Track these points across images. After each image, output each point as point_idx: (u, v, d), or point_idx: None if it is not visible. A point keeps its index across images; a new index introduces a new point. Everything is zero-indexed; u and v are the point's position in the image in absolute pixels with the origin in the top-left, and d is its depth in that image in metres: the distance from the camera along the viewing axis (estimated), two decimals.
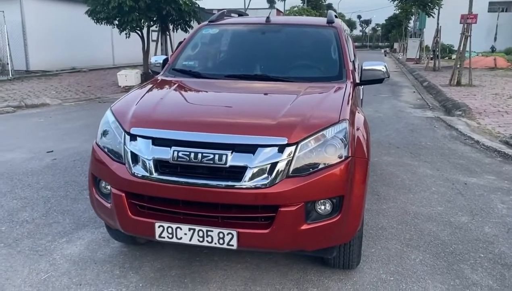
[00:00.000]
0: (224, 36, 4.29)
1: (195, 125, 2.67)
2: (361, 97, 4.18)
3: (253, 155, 2.50)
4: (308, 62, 3.89)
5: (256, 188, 2.48)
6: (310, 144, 2.58)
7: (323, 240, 2.68)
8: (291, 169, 2.52)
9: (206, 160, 2.51)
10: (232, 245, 2.55)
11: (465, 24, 14.46)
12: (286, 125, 2.63)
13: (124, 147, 2.73)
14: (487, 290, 3.01)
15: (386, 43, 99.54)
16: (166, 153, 2.58)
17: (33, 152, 6.36)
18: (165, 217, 2.64)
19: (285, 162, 2.51)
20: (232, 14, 4.93)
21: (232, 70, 3.81)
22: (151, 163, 2.60)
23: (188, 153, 2.54)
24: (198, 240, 2.58)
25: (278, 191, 2.48)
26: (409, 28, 49.20)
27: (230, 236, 2.53)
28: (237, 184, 2.49)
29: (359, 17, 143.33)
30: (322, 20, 4.27)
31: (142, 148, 2.65)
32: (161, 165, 2.60)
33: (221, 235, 2.54)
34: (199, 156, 2.52)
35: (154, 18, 14.70)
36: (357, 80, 3.77)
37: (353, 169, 2.67)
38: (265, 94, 3.32)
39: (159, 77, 3.81)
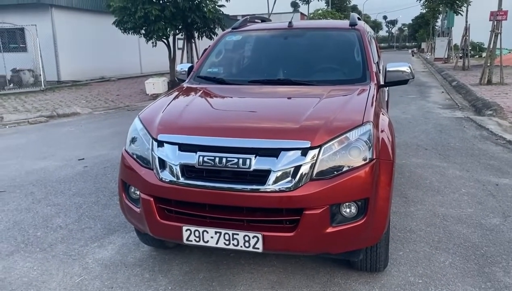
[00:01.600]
0: (247, 43, 4.34)
1: (219, 131, 2.72)
2: (386, 99, 4.15)
3: (277, 158, 2.54)
4: (331, 65, 3.90)
5: (280, 191, 2.51)
6: (334, 147, 2.60)
7: (349, 243, 2.68)
8: (315, 172, 2.54)
9: (231, 164, 2.56)
10: (258, 248, 2.58)
11: (495, 21, 14.10)
12: (309, 128, 2.65)
13: (152, 153, 2.81)
14: None
15: (413, 43, 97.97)
16: (192, 158, 2.64)
17: (65, 160, 6.58)
18: (192, 221, 2.70)
19: (309, 165, 2.53)
20: (256, 20, 4.98)
21: (256, 75, 3.86)
22: (178, 168, 2.66)
23: (213, 158, 2.59)
24: (224, 243, 2.62)
25: (302, 194, 2.51)
26: (436, 27, 48.31)
27: (255, 239, 2.56)
28: (261, 188, 2.53)
29: (384, 17, 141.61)
30: (345, 23, 4.28)
31: (169, 153, 2.73)
32: (187, 170, 2.67)
33: (246, 238, 2.57)
34: (224, 160, 2.57)
35: (180, 27, 14.96)
36: (381, 82, 3.75)
37: (378, 171, 2.67)
38: (288, 98, 3.35)
39: (185, 84, 3.89)
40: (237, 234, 2.58)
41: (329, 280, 3.13)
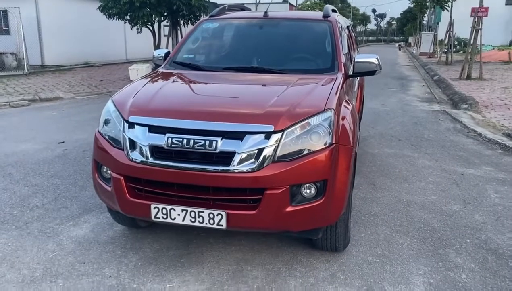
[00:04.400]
0: (224, 30, 4.46)
1: (188, 114, 2.86)
2: (356, 89, 4.31)
3: (241, 141, 2.68)
4: (302, 55, 4.05)
5: (244, 172, 2.66)
6: (296, 132, 2.75)
7: (308, 222, 2.85)
8: (277, 154, 2.70)
9: (198, 146, 2.70)
10: (222, 225, 2.73)
11: (476, 18, 14.38)
12: (273, 114, 2.80)
13: (123, 134, 2.93)
14: (468, 272, 3.15)
15: (401, 37, 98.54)
16: (161, 139, 2.78)
17: (45, 143, 6.63)
18: (160, 199, 2.84)
19: (272, 148, 2.69)
20: (234, 9, 5.09)
21: (230, 62, 3.99)
22: (147, 148, 2.80)
23: (181, 139, 2.73)
24: (190, 220, 2.77)
25: (264, 174, 2.66)
26: (424, 22, 48.68)
27: (219, 216, 2.71)
28: (226, 168, 2.68)
29: (373, 11, 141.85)
30: (318, 15, 4.42)
31: (139, 135, 2.85)
32: (156, 151, 2.80)
33: (211, 216, 2.72)
34: (191, 142, 2.71)
35: (165, 13, 14.91)
36: (350, 73, 3.90)
37: (337, 155, 2.83)
38: (258, 85, 3.49)
39: (160, 69, 4.00)
40: (203, 212, 2.73)
41: (292, 258, 3.31)
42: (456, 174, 5.36)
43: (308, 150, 2.75)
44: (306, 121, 2.79)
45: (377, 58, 3.86)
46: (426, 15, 46.12)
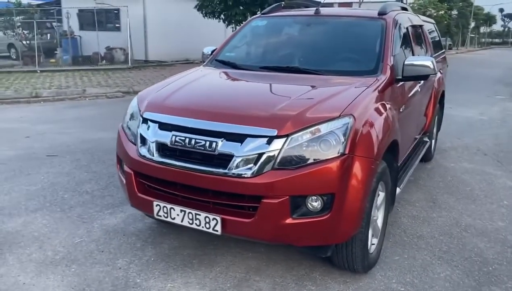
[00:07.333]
0: (271, 28, 4.30)
1: (193, 113, 2.78)
2: (410, 95, 3.87)
3: (241, 144, 2.54)
4: (346, 55, 3.74)
5: (239, 176, 2.51)
6: (303, 138, 2.53)
7: (311, 237, 2.61)
8: (278, 161, 2.50)
9: (198, 146, 2.61)
10: (217, 230, 2.62)
11: None
12: (279, 117, 2.60)
13: (137, 129, 2.95)
14: None
15: None
16: (167, 137, 2.74)
17: None
18: (163, 197, 2.81)
19: (273, 153, 2.50)
20: (294, 6, 4.91)
21: (267, 62, 3.82)
22: (154, 145, 2.78)
23: (183, 138, 2.66)
24: (188, 222, 2.70)
25: (262, 182, 2.48)
26: None
27: (215, 221, 2.60)
28: (223, 171, 2.55)
29: (501, 10, 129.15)
30: (375, 12, 4.04)
31: (150, 131, 2.85)
32: (162, 148, 2.77)
33: (207, 220, 2.62)
34: (193, 141, 2.63)
35: (258, 12, 15.07)
36: (399, 76, 3.50)
37: (350, 168, 2.54)
38: (281, 85, 3.30)
39: (200, 67, 3.98)
40: (199, 215, 2.64)
41: (307, 274, 3.07)
42: None
43: (314, 158, 2.50)
44: (316, 127, 2.54)
45: (432, 62, 3.41)
46: None
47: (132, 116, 3.20)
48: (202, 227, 2.65)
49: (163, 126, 2.80)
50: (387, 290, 2.91)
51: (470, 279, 3.06)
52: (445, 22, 42.06)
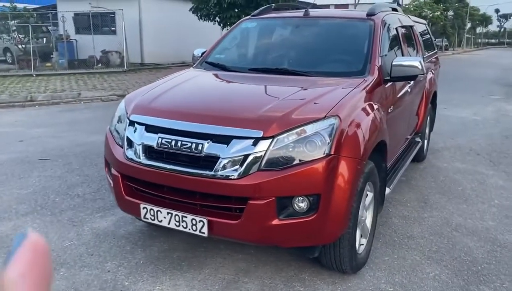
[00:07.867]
0: (260, 30, 4.32)
1: (179, 115, 2.78)
2: (399, 95, 3.87)
3: (227, 146, 2.54)
4: (334, 56, 3.75)
5: (225, 178, 2.51)
6: (288, 139, 2.53)
7: (298, 238, 2.61)
8: (264, 162, 2.50)
9: (185, 148, 2.61)
10: (203, 232, 2.61)
11: None
12: (264, 119, 2.60)
13: (124, 132, 2.95)
14: None
15: None
16: (153, 140, 2.74)
17: None
18: (150, 199, 2.81)
19: (258, 155, 2.50)
20: (285, 8, 4.92)
21: (256, 63, 3.84)
22: (140, 147, 2.78)
23: (170, 140, 2.66)
24: (175, 224, 2.69)
25: (247, 183, 2.48)
26: None
27: (201, 223, 2.59)
28: (209, 173, 2.55)
29: (497, 11, 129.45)
30: (363, 13, 4.05)
31: (136, 133, 2.85)
32: (148, 151, 2.77)
33: (193, 222, 2.62)
34: (179, 143, 2.63)
35: None
36: (388, 77, 3.51)
37: (335, 168, 2.54)
38: (268, 87, 3.30)
39: (190, 69, 3.99)
40: (186, 217, 2.64)
41: (296, 275, 3.07)
42: None
43: (300, 159, 2.50)
44: (301, 128, 2.55)
45: (420, 62, 3.42)
46: None
47: (119, 119, 3.20)
48: (189, 229, 2.65)
49: (150, 128, 2.80)
50: (376, 290, 2.91)
51: (459, 278, 3.07)
52: (441, 23, 42.23)
